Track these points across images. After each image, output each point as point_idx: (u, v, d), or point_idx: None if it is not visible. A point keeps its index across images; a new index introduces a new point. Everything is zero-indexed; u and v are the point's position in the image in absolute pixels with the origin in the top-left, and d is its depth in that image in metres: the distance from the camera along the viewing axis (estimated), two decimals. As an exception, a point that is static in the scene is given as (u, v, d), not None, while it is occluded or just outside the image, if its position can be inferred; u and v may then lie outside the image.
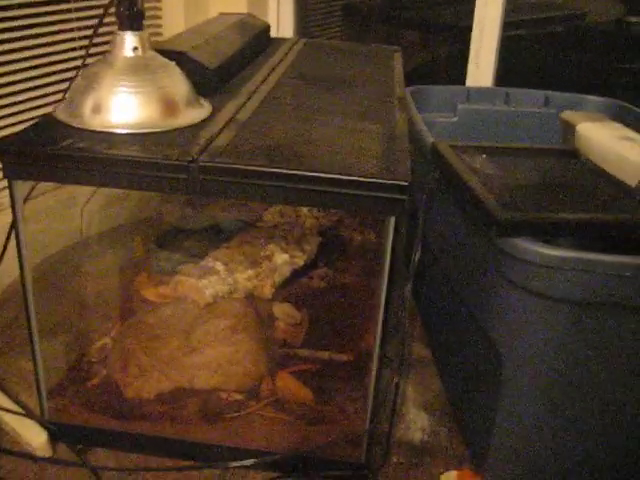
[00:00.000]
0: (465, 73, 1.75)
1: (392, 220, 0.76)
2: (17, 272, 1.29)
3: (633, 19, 1.90)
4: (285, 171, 0.75)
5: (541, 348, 0.82)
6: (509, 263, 0.79)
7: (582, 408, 0.84)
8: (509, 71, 1.67)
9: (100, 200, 1.42)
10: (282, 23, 1.85)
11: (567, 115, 1.03)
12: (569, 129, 1.00)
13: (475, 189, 0.83)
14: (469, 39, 1.72)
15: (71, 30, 1.43)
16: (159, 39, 1.66)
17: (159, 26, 1.68)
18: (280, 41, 1.46)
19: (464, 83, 1.74)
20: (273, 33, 1.53)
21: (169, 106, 0.87)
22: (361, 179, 0.74)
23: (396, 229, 0.77)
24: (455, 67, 2.08)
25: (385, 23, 2.30)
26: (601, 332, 0.79)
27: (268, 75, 1.14)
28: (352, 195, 0.75)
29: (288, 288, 1.13)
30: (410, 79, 1.25)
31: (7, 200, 1.37)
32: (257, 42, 1.30)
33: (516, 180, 0.90)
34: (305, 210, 1.22)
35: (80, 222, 1.38)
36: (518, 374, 0.84)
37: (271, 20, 1.82)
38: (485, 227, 0.80)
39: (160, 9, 1.66)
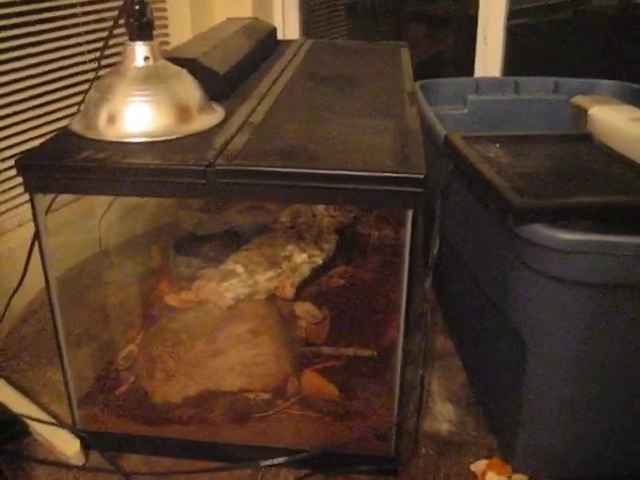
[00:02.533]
0: (473, 64, 1.75)
1: (410, 213, 0.77)
2: (40, 286, 1.31)
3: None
4: (302, 170, 0.75)
5: (564, 333, 0.82)
6: (528, 250, 0.79)
7: (608, 393, 0.84)
8: (517, 60, 1.67)
9: (117, 210, 1.43)
10: (288, 25, 1.86)
11: (578, 100, 1.03)
12: (580, 114, 1.01)
13: (490, 178, 0.84)
14: (474, 29, 1.72)
15: (80, 45, 1.45)
16: (167, 47, 1.68)
17: (166, 35, 1.69)
18: (287, 43, 1.47)
19: (472, 74, 1.74)
20: (279, 35, 1.54)
21: (183, 113, 0.88)
22: (377, 174, 0.75)
23: (414, 222, 0.77)
24: (462, 58, 2.08)
25: (389, 18, 2.30)
26: (624, 314, 0.79)
27: (278, 77, 1.15)
28: (369, 190, 0.75)
29: (308, 287, 1.14)
30: (417, 73, 1.25)
31: (27, 215, 1.39)
32: (265, 45, 1.32)
33: (531, 167, 0.90)
34: (321, 209, 1.23)
35: (99, 233, 1.40)
36: (542, 361, 0.85)
37: (277, 22, 1.83)
38: (502, 215, 0.80)
39: (166, 18, 1.68)
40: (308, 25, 1.96)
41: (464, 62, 1.90)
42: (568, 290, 0.79)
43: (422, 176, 0.74)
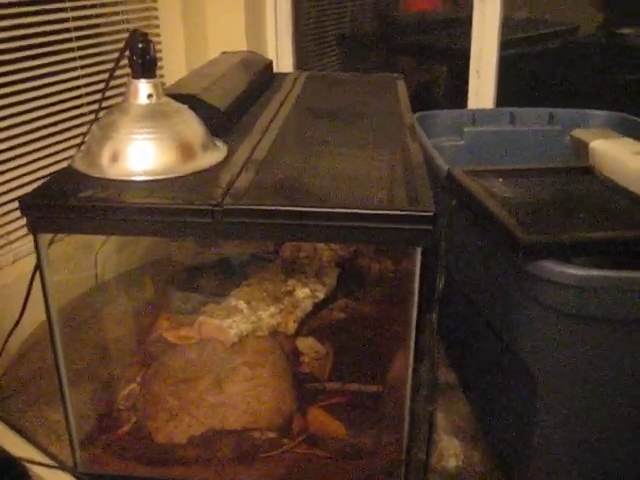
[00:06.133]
0: (464, 95, 1.77)
1: (419, 251, 0.77)
2: (35, 323, 1.29)
3: (626, 30, 1.92)
4: (311, 209, 0.75)
5: (574, 368, 0.82)
6: (535, 285, 0.79)
7: (620, 429, 0.84)
8: (508, 90, 1.68)
9: (113, 244, 1.42)
10: (281, 57, 1.87)
11: (578, 133, 1.04)
12: (581, 146, 1.01)
13: (497, 214, 0.84)
14: (466, 61, 1.74)
15: (77, 78, 1.45)
16: (161, 80, 1.68)
17: (160, 67, 1.69)
18: (283, 76, 1.48)
19: (464, 105, 1.75)
20: (273, 68, 1.55)
21: (186, 151, 0.88)
22: (386, 212, 0.75)
23: (423, 259, 0.77)
24: (453, 90, 2.10)
25: (380, 50, 2.32)
26: (634, 350, 0.79)
27: (277, 111, 1.16)
28: (378, 228, 0.75)
29: (310, 322, 1.13)
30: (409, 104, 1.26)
31: (22, 250, 1.38)
32: (262, 79, 1.32)
33: (535, 201, 0.91)
34: (322, 243, 1.23)
35: (95, 267, 1.39)
36: (552, 395, 0.84)
37: (270, 55, 1.84)
38: (510, 251, 0.80)
39: (160, 51, 1.68)
40: (300, 56, 1.97)
41: (454, 93, 1.91)
42: (577, 325, 0.79)
43: (431, 213, 0.74)
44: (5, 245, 1.37)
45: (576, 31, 2.10)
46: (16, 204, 1.32)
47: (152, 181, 0.84)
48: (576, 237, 0.79)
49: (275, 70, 1.56)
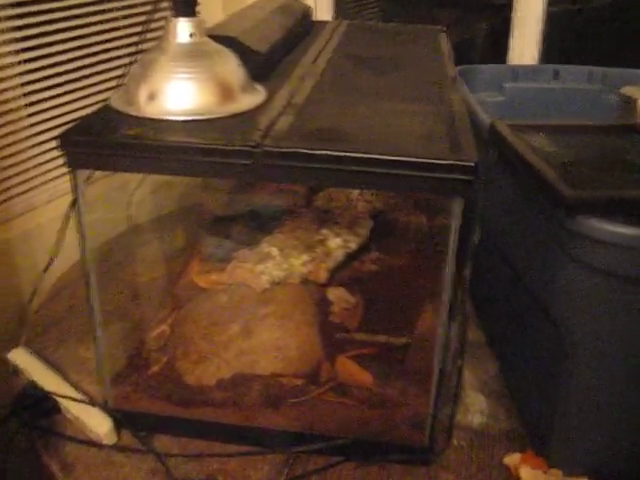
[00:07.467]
0: (505, 51, 1.73)
1: (459, 202, 0.75)
2: (68, 263, 1.31)
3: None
4: (353, 155, 0.74)
5: (607, 328, 0.80)
6: (575, 242, 0.78)
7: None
8: (554, 48, 1.64)
9: (148, 187, 1.42)
10: (320, 6, 1.84)
11: (627, 90, 1.01)
12: (629, 104, 0.98)
13: (540, 168, 0.82)
14: (508, 16, 1.69)
15: (116, 19, 1.44)
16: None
17: (197, 13, 1.67)
18: (322, 24, 1.45)
19: (504, 62, 1.71)
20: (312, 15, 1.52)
21: (226, 92, 0.87)
22: (428, 161, 0.73)
23: (463, 210, 0.76)
24: (493, 45, 2.05)
25: (421, 4, 2.27)
26: (673, 311, 0.78)
27: (316, 58, 1.14)
28: (418, 177, 0.74)
29: (341, 272, 1.13)
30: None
31: (57, 191, 1.39)
32: (301, 25, 1.30)
33: (578, 158, 0.88)
34: (356, 193, 1.21)
35: (128, 210, 1.39)
36: (583, 355, 0.83)
37: (309, 2, 1.80)
38: (552, 206, 0.79)
39: (198, -5, 1.66)
40: (339, 6, 1.94)
41: (495, 51, 1.87)
42: (615, 284, 0.77)
43: (473, 164, 0.73)
44: (40, 185, 1.38)
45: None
46: (52, 144, 1.33)
47: (190, 121, 0.83)
48: (622, 195, 0.77)
49: (314, 18, 1.54)
